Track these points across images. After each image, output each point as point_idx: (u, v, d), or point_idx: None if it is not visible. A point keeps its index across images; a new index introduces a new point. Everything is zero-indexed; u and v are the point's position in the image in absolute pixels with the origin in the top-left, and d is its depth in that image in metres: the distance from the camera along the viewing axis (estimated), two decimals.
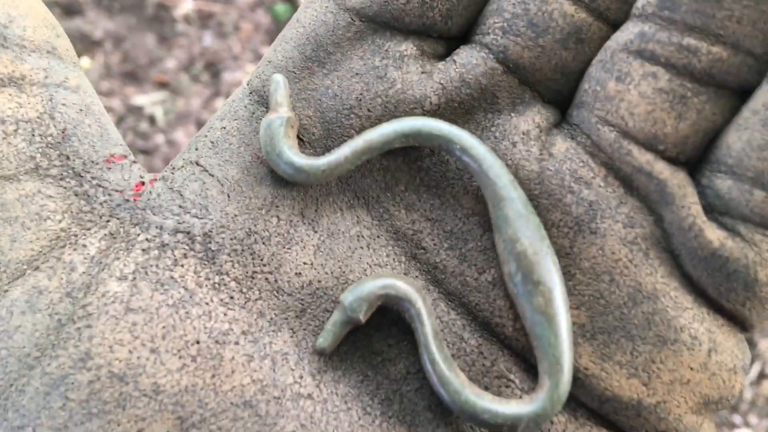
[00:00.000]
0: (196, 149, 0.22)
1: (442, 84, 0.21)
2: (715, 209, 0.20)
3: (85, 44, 1.22)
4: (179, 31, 1.24)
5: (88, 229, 0.20)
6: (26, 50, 0.21)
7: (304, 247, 0.21)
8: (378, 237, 0.21)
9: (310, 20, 0.22)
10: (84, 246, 0.20)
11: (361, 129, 0.21)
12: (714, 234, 0.19)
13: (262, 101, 0.22)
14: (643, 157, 0.20)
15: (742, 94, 0.20)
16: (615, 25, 0.21)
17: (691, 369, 0.20)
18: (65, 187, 0.20)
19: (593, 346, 0.20)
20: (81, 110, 0.21)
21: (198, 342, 0.18)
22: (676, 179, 0.20)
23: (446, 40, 0.22)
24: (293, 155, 0.21)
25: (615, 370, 0.20)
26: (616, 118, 0.20)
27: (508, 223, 0.20)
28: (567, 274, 0.20)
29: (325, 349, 0.20)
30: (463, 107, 0.21)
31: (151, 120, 1.19)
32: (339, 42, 0.21)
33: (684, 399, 0.20)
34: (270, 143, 0.21)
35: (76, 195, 0.20)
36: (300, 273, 0.20)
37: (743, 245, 0.19)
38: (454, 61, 0.21)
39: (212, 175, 0.21)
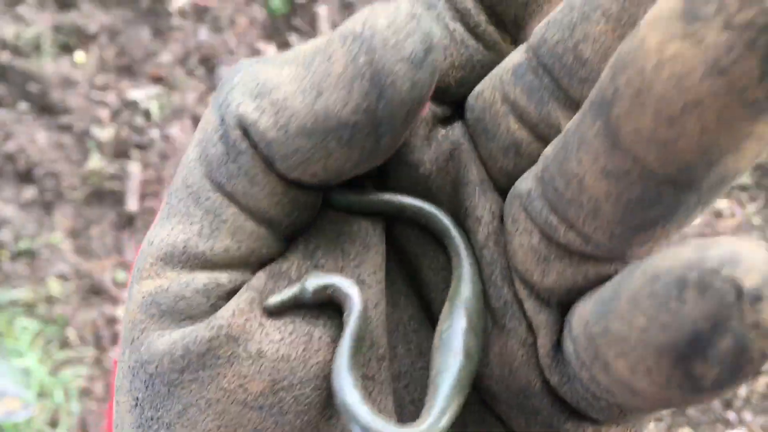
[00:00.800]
0: None
1: (436, 157, 0.23)
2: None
3: (80, 38, 1.22)
4: (174, 25, 1.24)
5: None
6: None
7: (376, 253, 0.24)
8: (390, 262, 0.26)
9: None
10: None
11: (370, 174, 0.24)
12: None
13: None
14: (522, 293, 0.22)
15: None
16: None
17: None
18: None
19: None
20: None
21: (294, 321, 0.22)
22: (539, 319, 0.22)
23: (453, 103, 0.24)
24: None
25: None
26: (509, 251, 0.22)
27: (458, 297, 0.24)
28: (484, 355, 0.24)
29: (268, 307, 0.23)
30: (450, 179, 0.24)
31: (147, 114, 1.19)
32: None
33: None
34: None
35: None
36: (375, 272, 0.24)
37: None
38: (447, 137, 0.23)
39: None
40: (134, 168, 1.16)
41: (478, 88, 0.23)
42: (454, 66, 0.23)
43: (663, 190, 0.17)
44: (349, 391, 0.21)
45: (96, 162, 1.16)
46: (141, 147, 1.17)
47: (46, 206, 1.15)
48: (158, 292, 0.22)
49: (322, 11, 1.27)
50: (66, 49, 1.22)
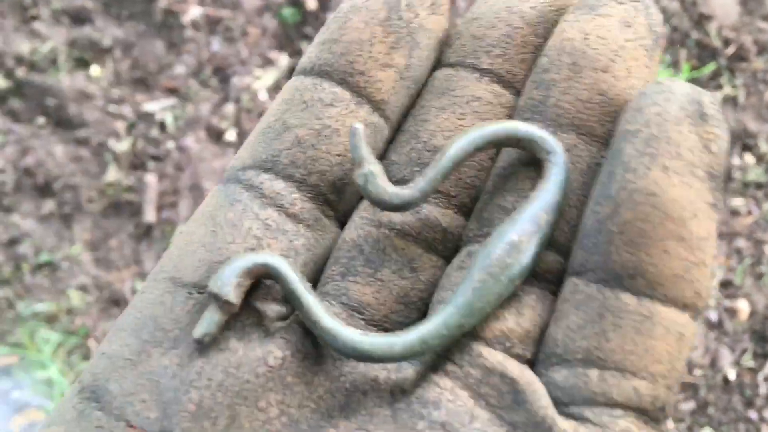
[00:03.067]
0: None
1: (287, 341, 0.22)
2: (560, 402, 0.21)
3: (94, 52, 1.23)
4: (187, 37, 1.25)
5: None
6: None
7: None
8: None
9: (146, 305, 0.22)
10: None
11: (201, 401, 0.21)
12: (565, 425, 0.20)
13: (94, 397, 0.22)
14: (494, 357, 0.21)
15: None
16: (444, 257, 0.23)
17: None
18: None
19: None
20: None
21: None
22: (525, 377, 0.21)
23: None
24: (394, 188, 0.22)
25: None
26: None
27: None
28: None
29: (202, 339, 0.21)
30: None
31: (162, 126, 1.19)
32: (177, 318, 0.22)
33: None
34: (372, 192, 0.22)
35: None
36: None
37: (594, 430, 0.20)
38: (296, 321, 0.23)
39: None
40: (151, 179, 1.17)
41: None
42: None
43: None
44: (336, 329, 0.21)
45: (113, 174, 1.17)
46: (157, 158, 1.18)
47: (65, 219, 1.16)
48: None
49: None
50: (81, 63, 1.23)
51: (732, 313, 1.16)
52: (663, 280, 0.19)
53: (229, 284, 0.21)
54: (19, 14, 1.25)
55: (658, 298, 0.19)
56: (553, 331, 0.21)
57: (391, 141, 0.25)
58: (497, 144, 0.23)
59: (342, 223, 0.24)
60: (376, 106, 0.23)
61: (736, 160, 1.26)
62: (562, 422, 0.20)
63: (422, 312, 0.23)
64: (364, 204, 0.24)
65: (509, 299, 0.22)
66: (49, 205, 1.16)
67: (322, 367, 0.22)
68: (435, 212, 0.23)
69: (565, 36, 0.22)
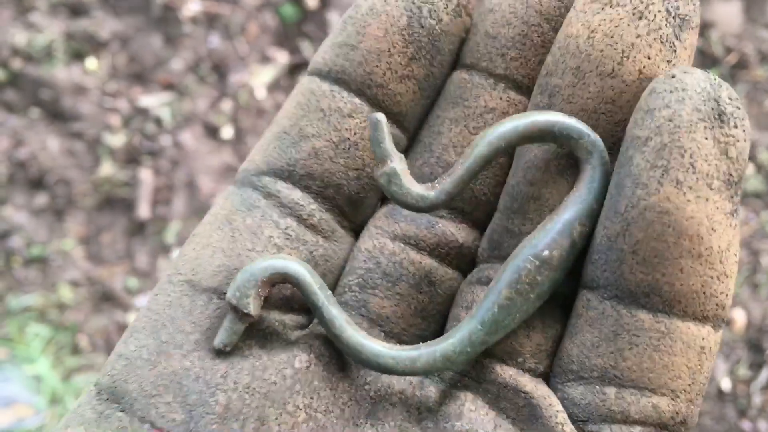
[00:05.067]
0: None
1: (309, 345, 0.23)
2: (577, 418, 0.20)
3: (91, 45, 1.22)
4: (186, 32, 1.24)
5: None
6: None
7: None
8: None
9: (163, 306, 0.22)
10: None
11: (228, 403, 0.21)
12: None
13: (114, 399, 0.22)
14: (506, 372, 0.21)
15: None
16: (460, 269, 0.23)
17: None
18: None
19: None
20: None
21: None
22: (539, 391, 0.21)
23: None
24: (418, 189, 0.22)
25: None
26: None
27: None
28: None
29: (223, 349, 0.21)
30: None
31: (158, 121, 1.19)
32: (197, 322, 0.22)
33: None
34: (397, 192, 0.22)
35: None
36: None
37: None
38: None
39: None
40: (145, 175, 1.16)
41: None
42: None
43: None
44: (360, 339, 0.22)
45: (107, 169, 1.16)
46: (152, 154, 1.18)
47: (58, 213, 1.15)
48: None
49: (334, 18, 1.27)
50: (78, 56, 1.22)
51: (727, 322, 1.16)
52: (680, 297, 0.19)
53: (247, 296, 0.21)
54: (16, 5, 1.24)
55: (676, 314, 0.19)
56: (567, 346, 0.21)
57: (407, 150, 0.24)
58: (531, 138, 0.21)
59: (356, 232, 0.24)
60: (395, 118, 0.23)
61: None
62: None
63: (440, 324, 0.23)
64: (380, 213, 0.24)
65: None
66: (41, 199, 1.15)
67: (347, 374, 0.22)
68: (450, 227, 0.23)
69: (569, 31, 0.21)
